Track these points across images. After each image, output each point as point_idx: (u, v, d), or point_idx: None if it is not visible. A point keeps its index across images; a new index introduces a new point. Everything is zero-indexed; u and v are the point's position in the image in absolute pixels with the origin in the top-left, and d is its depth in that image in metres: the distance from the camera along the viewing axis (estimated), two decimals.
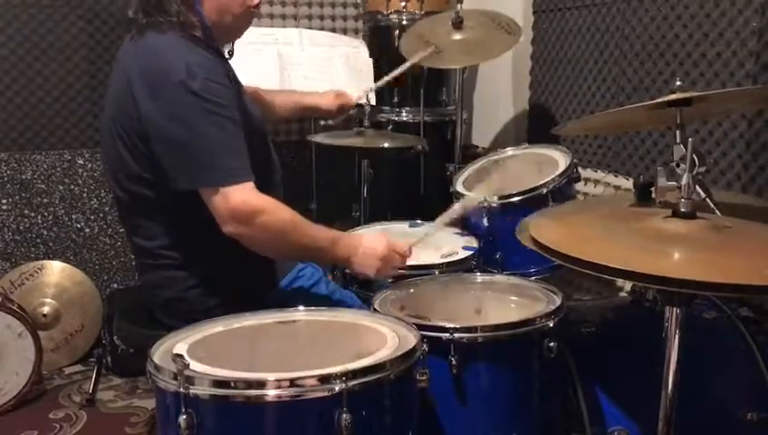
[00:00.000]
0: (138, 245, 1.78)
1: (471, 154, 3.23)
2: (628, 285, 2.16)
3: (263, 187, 1.64)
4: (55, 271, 3.03)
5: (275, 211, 1.59)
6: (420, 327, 1.45)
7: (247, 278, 1.76)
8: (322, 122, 2.59)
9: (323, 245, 1.69)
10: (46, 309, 2.97)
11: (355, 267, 1.73)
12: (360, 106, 2.78)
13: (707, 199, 1.33)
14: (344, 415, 1.20)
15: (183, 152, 1.56)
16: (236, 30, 1.81)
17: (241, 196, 1.55)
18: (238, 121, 1.61)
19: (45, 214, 3.09)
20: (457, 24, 2.62)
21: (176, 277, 1.74)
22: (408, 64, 2.49)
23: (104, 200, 3.16)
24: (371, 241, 1.75)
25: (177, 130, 1.56)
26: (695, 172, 1.24)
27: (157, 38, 1.64)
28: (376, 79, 3.06)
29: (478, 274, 1.95)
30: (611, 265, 1.07)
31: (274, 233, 1.60)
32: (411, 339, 1.38)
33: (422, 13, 3.00)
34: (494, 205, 2.18)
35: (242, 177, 1.56)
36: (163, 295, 1.77)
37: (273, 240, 1.61)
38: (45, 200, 3.08)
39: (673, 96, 1.44)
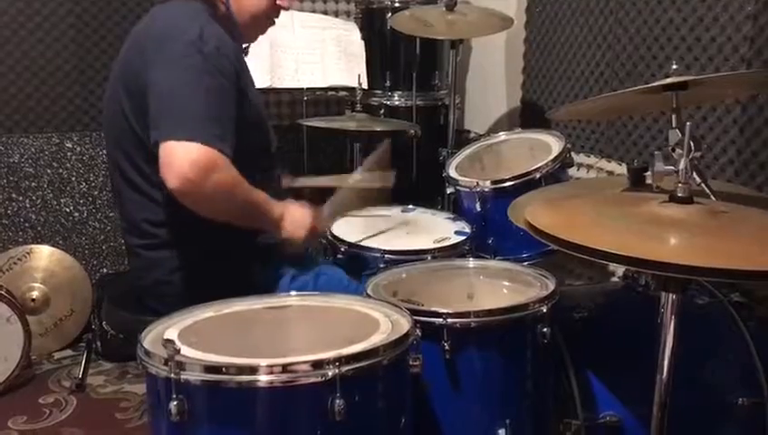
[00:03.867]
0: (129, 222, 1.77)
1: (464, 139, 3.23)
2: (620, 271, 2.16)
3: (260, 175, 1.66)
4: (44, 255, 3.00)
5: (228, 168, 1.55)
6: (413, 312, 1.44)
7: (235, 261, 1.74)
8: None
9: (261, 202, 1.67)
10: (35, 294, 2.94)
11: (287, 227, 1.72)
12: (351, 90, 2.77)
13: (703, 184, 1.32)
14: (337, 401, 1.19)
15: (170, 103, 1.54)
16: (251, 29, 1.83)
17: (204, 152, 1.50)
18: (233, 96, 1.61)
19: (33, 198, 3.05)
20: (450, 7, 2.61)
21: (163, 258, 1.73)
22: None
23: (93, 184, 3.13)
24: (300, 206, 1.76)
25: (174, 81, 1.55)
26: (691, 156, 1.23)
27: (177, 5, 1.69)
28: (367, 62, 3.04)
29: (471, 259, 1.94)
30: (609, 251, 1.06)
31: (226, 189, 1.55)
32: (404, 324, 1.37)
33: None
34: (487, 190, 2.17)
35: (214, 142, 1.52)
36: (150, 278, 1.76)
37: (225, 196, 1.57)
38: (33, 184, 3.04)
39: (668, 80, 1.43)
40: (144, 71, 1.60)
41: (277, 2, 1.81)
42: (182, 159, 1.49)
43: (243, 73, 1.73)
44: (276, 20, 1.88)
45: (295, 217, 1.74)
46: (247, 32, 1.83)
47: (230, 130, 1.58)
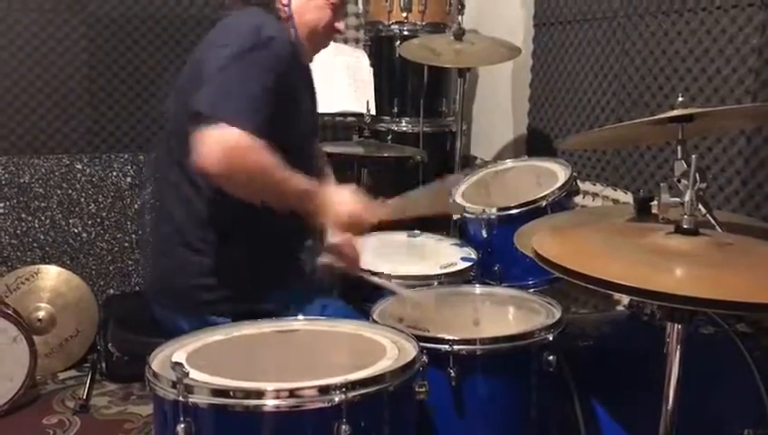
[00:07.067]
0: (172, 222, 1.77)
1: (470, 165, 3.25)
2: (625, 299, 2.16)
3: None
4: (51, 275, 3.02)
5: (264, 153, 1.55)
6: (419, 339, 1.44)
7: (259, 279, 1.75)
8: None
9: (304, 189, 1.65)
10: (42, 314, 2.95)
11: (327, 212, 1.68)
12: (360, 115, 2.79)
13: (708, 215, 1.33)
14: (343, 426, 1.19)
15: (216, 81, 1.58)
16: (312, 45, 1.86)
17: (239, 132, 1.52)
18: (270, 88, 1.62)
19: (43, 218, 3.08)
20: (459, 36, 2.64)
21: (194, 262, 1.74)
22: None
23: (102, 205, 3.15)
24: (344, 192, 1.73)
25: (225, 62, 1.60)
26: (696, 188, 1.25)
27: (245, 10, 1.78)
28: (376, 89, 3.08)
29: (477, 285, 1.95)
30: (615, 281, 1.07)
31: (262, 174, 1.56)
32: (411, 350, 1.38)
33: (423, 24, 3.02)
34: (493, 217, 2.18)
35: (249, 127, 1.53)
36: (179, 282, 1.77)
37: (260, 181, 1.57)
38: (43, 204, 3.07)
39: (674, 112, 1.45)
40: (201, 56, 1.67)
41: (334, 24, 1.85)
42: (219, 142, 1.50)
43: (297, 84, 1.77)
44: (329, 45, 1.92)
45: (337, 202, 1.70)
46: (308, 44, 1.85)
47: (264, 117, 1.58)
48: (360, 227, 1.76)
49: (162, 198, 1.83)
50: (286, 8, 1.79)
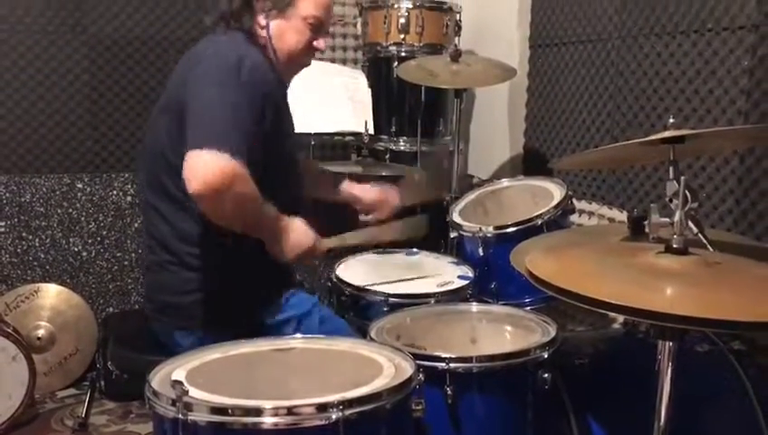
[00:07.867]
0: (158, 239, 1.81)
1: (467, 184, 3.27)
2: (621, 317, 2.18)
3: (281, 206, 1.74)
4: (51, 294, 3.03)
5: (250, 182, 1.61)
6: (416, 357, 1.46)
7: (246, 297, 1.79)
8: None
9: (272, 219, 1.72)
10: (41, 332, 2.96)
11: (287, 245, 1.76)
12: (358, 135, 2.82)
13: (700, 235, 1.35)
14: None
15: (203, 116, 1.61)
16: (287, 68, 1.89)
17: (231, 164, 1.56)
18: (255, 118, 1.67)
19: (43, 237, 3.10)
20: (455, 57, 2.67)
21: (181, 278, 1.77)
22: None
23: (102, 224, 3.17)
24: (304, 227, 1.80)
25: (208, 96, 1.63)
26: (687, 208, 1.27)
27: (221, 35, 1.82)
28: (374, 109, 3.11)
29: (474, 303, 1.96)
30: (606, 300, 1.09)
31: (244, 202, 1.62)
32: (407, 368, 1.39)
33: (420, 45, 3.05)
34: (490, 235, 2.20)
35: (239, 156, 1.58)
36: (161, 298, 1.81)
37: (241, 208, 1.63)
38: (43, 223, 3.09)
39: (666, 133, 1.47)
40: (183, 87, 1.69)
41: (313, 43, 1.87)
42: (209, 165, 1.54)
43: (280, 107, 1.82)
44: (310, 63, 1.95)
45: (297, 237, 1.77)
46: (283, 71, 1.88)
47: (248, 146, 1.62)
48: (309, 259, 1.86)
49: (146, 217, 1.87)
50: (264, 32, 1.82)
